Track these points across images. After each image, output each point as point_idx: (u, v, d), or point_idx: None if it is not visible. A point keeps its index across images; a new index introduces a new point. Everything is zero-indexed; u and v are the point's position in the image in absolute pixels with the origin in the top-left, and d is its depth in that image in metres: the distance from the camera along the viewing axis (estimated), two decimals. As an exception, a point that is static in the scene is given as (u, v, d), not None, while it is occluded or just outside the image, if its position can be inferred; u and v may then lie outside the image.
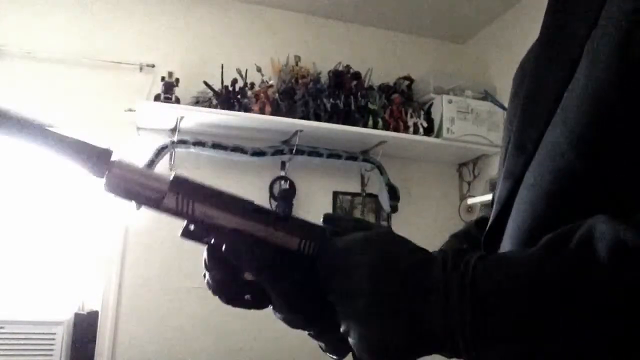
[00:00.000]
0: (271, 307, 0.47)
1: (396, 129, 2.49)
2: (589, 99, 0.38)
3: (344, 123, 2.39)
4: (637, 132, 0.36)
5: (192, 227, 0.45)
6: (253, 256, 0.43)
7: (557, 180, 0.40)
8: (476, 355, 0.35)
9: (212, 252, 0.45)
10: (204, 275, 0.47)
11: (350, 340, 0.40)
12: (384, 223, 2.60)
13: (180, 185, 0.43)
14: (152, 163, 2.24)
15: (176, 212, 0.43)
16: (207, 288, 0.47)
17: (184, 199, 0.43)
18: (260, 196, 2.45)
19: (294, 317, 0.46)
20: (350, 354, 0.44)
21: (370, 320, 0.38)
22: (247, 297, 0.46)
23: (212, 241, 0.45)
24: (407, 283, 0.37)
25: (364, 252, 0.40)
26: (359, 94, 2.50)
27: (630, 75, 0.35)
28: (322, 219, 0.47)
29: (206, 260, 0.46)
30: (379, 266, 0.39)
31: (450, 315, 0.35)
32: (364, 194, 2.64)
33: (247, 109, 2.31)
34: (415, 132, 2.52)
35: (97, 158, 0.41)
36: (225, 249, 0.43)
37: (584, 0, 0.42)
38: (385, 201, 2.54)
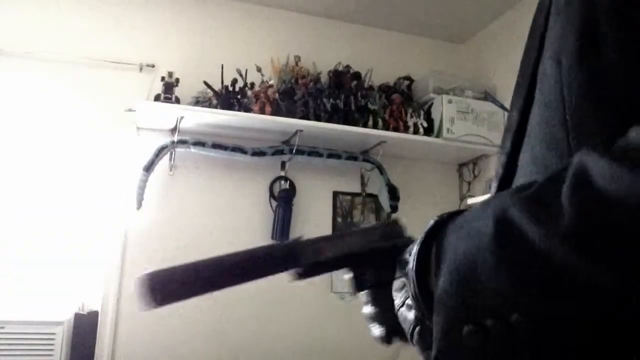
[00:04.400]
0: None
1: (396, 129, 2.49)
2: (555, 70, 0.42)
3: (344, 123, 2.39)
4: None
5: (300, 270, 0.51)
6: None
7: (549, 146, 0.42)
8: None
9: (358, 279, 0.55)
10: (384, 338, 0.53)
11: None
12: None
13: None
14: (152, 163, 2.24)
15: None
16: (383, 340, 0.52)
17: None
18: (260, 196, 2.45)
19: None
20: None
21: None
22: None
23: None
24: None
25: None
26: (359, 94, 2.50)
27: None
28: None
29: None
30: None
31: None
32: (364, 194, 2.64)
33: (247, 109, 2.31)
34: (415, 132, 2.52)
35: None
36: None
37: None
38: (385, 201, 2.54)
